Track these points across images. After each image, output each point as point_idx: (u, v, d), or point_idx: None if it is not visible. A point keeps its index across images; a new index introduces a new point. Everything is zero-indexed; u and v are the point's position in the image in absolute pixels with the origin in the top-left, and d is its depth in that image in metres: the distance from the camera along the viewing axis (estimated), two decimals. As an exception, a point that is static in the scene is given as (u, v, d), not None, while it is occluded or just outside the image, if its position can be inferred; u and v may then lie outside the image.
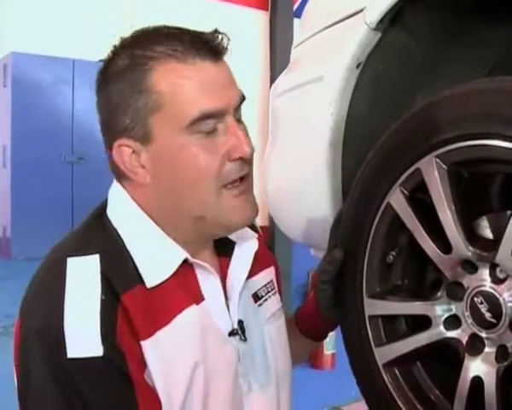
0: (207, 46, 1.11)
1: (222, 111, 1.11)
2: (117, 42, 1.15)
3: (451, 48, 1.38)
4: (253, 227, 1.37)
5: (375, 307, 1.20)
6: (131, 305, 1.06)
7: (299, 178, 1.54)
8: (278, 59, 7.73)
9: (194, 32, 1.14)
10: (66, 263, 1.08)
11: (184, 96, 1.09)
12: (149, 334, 1.08)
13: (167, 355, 1.10)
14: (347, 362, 1.30)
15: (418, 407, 1.16)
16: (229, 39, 1.15)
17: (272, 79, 1.91)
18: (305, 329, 1.45)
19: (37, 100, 6.60)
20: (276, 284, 1.39)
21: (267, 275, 1.36)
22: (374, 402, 1.23)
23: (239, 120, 1.17)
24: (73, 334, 1.02)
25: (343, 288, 1.27)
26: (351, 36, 1.33)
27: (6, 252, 6.62)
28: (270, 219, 1.76)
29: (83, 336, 1.03)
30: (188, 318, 1.14)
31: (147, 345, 1.08)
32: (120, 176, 1.17)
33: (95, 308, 1.04)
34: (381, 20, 1.27)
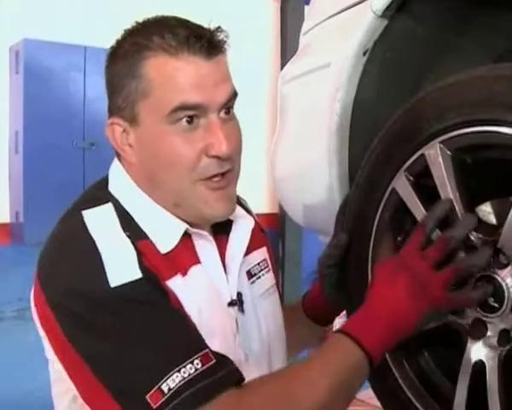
0: (201, 43, 1.15)
1: (204, 106, 1.15)
2: (129, 27, 1.21)
3: (459, 34, 1.38)
4: (245, 208, 1.42)
5: (379, 292, 1.21)
6: (147, 250, 1.14)
7: (306, 164, 1.55)
8: (289, 46, 7.71)
9: (193, 26, 1.18)
10: (82, 217, 1.16)
11: (169, 86, 1.14)
12: (170, 275, 1.16)
13: (184, 303, 1.16)
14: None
15: (422, 390, 1.17)
16: (227, 36, 1.19)
17: (283, 67, 1.93)
18: (311, 313, 1.48)
19: (48, 86, 6.62)
20: (269, 263, 1.43)
21: (260, 254, 1.41)
22: (379, 387, 1.25)
23: (228, 115, 1.21)
24: (113, 265, 1.09)
25: (348, 272, 1.29)
26: (357, 23, 1.33)
27: (19, 237, 6.68)
28: (280, 207, 1.78)
29: (121, 266, 1.10)
30: (198, 272, 1.21)
31: (171, 285, 1.15)
32: (117, 153, 1.25)
33: (125, 240, 1.13)
34: (388, 7, 1.27)
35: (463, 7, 1.33)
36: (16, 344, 5.07)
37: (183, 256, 1.20)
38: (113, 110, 1.21)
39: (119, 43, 1.20)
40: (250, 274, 1.35)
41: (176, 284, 1.16)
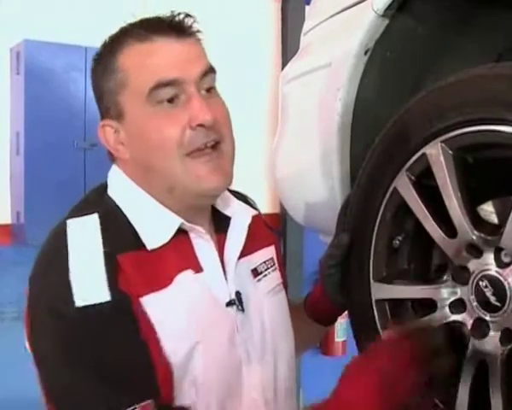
0: (167, 25, 1.19)
1: (179, 80, 1.17)
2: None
3: (459, 33, 1.38)
4: (251, 207, 1.41)
5: (381, 291, 1.21)
6: (127, 265, 1.13)
7: (307, 163, 1.55)
8: (290, 46, 7.71)
9: (164, 17, 1.21)
10: (66, 226, 1.16)
11: (144, 69, 1.17)
12: (147, 292, 1.13)
13: (165, 316, 1.14)
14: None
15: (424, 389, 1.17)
16: (194, 20, 1.23)
17: (284, 67, 1.93)
18: (313, 314, 1.48)
19: (49, 87, 6.64)
20: (276, 261, 1.43)
21: (267, 252, 1.41)
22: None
23: (210, 93, 1.23)
24: (80, 284, 1.08)
25: (350, 272, 1.29)
26: (359, 22, 1.33)
27: (20, 237, 6.68)
28: (282, 206, 1.78)
29: (89, 285, 1.08)
30: (185, 280, 1.20)
31: (146, 301, 1.13)
32: (111, 155, 1.27)
33: (99, 258, 1.11)
34: (389, 7, 1.27)
35: (463, 6, 1.33)
36: (16, 345, 5.06)
37: (175, 258, 1.20)
38: (102, 113, 1.24)
39: (101, 47, 1.24)
40: (256, 272, 1.36)
41: (155, 298, 1.14)
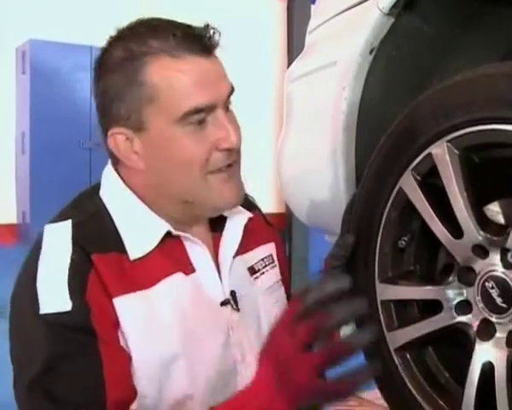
0: (199, 41, 1.17)
1: (212, 104, 1.17)
2: (113, 33, 1.21)
3: (465, 32, 1.38)
4: (250, 204, 1.42)
5: (386, 292, 1.20)
6: (103, 265, 1.13)
7: (312, 163, 1.55)
8: (295, 45, 7.72)
9: (186, 26, 1.19)
10: (43, 231, 1.19)
11: (177, 90, 1.15)
12: (122, 292, 1.14)
13: (149, 315, 1.16)
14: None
15: (429, 391, 1.16)
16: (220, 34, 1.20)
17: (289, 65, 1.94)
18: (318, 313, 1.47)
19: (55, 87, 6.66)
20: (275, 259, 1.44)
21: (265, 250, 1.42)
22: (385, 386, 1.24)
23: (228, 110, 1.23)
24: (45, 291, 1.11)
25: (355, 273, 1.28)
26: (364, 21, 1.32)
27: (25, 237, 6.70)
28: (287, 206, 1.79)
29: (53, 293, 1.11)
30: (173, 283, 1.20)
31: (119, 302, 1.13)
32: (116, 161, 1.24)
33: (64, 267, 1.12)
34: (395, 5, 1.27)
35: (469, 4, 1.33)
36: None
37: (162, 263, 1.21)
38: (110, 120, 1.20)
39: (108, 51, 1.20)
40: (253, 270, 1.36)
41: (132, 299, 1.15)
